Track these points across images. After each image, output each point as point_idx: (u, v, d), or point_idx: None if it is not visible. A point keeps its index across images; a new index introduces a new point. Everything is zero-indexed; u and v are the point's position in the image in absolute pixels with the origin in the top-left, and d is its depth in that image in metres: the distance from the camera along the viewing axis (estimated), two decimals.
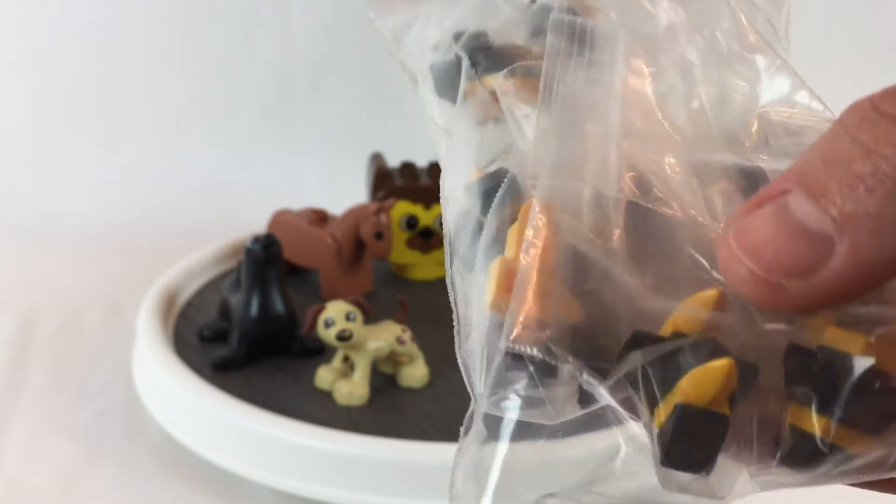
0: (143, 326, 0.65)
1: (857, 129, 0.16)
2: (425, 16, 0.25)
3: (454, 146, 0.23)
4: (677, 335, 0.18)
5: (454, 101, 0.23)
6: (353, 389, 0.58)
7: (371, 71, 1.18)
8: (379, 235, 0.72)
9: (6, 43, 1.12)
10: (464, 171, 0.22)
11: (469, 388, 0.20)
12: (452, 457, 0.57)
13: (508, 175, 0.21)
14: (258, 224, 0.81)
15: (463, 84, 0.23)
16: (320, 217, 0.76)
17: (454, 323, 0.21)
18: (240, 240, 0.80)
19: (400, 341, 0.60)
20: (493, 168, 0.22)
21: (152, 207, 1.03)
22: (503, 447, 0.19)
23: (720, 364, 0.17)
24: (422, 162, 0.82)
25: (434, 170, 0.80)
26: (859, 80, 1.30)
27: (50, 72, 1.12)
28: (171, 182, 1.08)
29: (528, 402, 0.19)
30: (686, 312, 0.18)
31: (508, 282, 0.19)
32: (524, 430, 0.19)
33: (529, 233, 0.19)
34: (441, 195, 0.23)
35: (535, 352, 0.18)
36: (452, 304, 0.21)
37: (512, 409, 0.19)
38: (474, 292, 0.20)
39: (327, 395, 0.59)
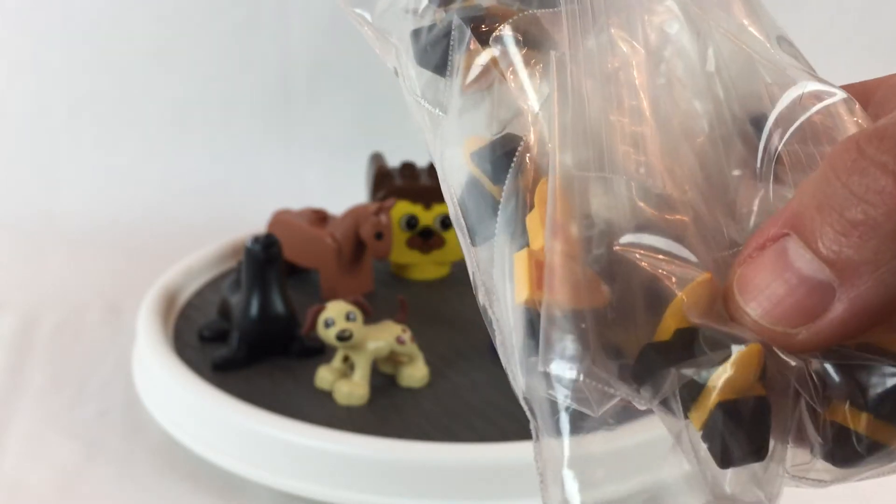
0: (144, 326, 0.65)
1: (847, 176, 0.16)
2: None
3: (452, 117, 0.22)
4: (681, 332, 0.18)
5: (441, 72, 0.23)
6: (353, 389, 0.58)
7: (371, 71, 1.18)
8: (379, 235, 0.72)
9: (6, 42, 1.12)
10: (467, 141, 0.22)
11: (512, 383, 0.20)
12: (452, 456, 0.57)
13: (521, 143, 0.20)
14: (258, 224, 0.81)
15: (460, 54, 0.22)
16: (320, 217, 0.76)
17: (485, 315, 0.21)
18: (240, 240, 0.80)
19: (400, 341, 0.60)
20: (499, 136, 0.21)
21: (152, 207, 1.04)
22: (566, 442, 0.18)
23: (749, 350, 0.17)
24: (422, 162, 0.82)
25: (434, 170, 0.80)
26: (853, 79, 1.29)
27: (50, 72, 1.12)
28: (171, 182, 1.08)
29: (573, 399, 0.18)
30: (686, 307, 0.18)
31: (539, 275, 0.19)
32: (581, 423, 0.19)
33: (549, 221, 0.19)
34: (438, 168, 0.22)
35: (575, 375, 0.18)
36: (478, 291, 0.21)
37: (561, 406, 0.18)
38: (499, 281, 0.20)
39: (327, 395, 0.59)
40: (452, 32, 0.22)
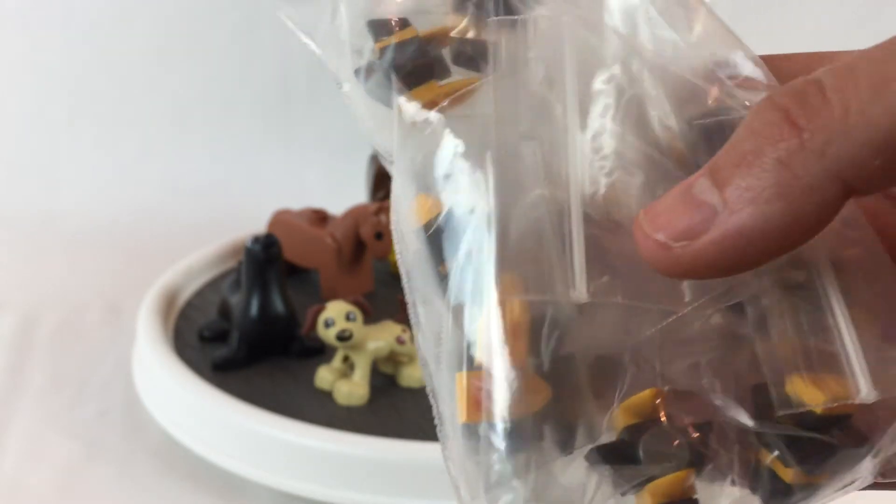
0: (144, 326, 0.65)
1: (752, 119, 0.18)
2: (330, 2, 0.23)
3: (397, 171, 0.22)
4: (628, 429, 0.19)
5: (388, 105, 0.22)
6: (353, 389, 0.58)
7: None
8: (379, 235, 0.72)
9: (6, 42, 1.12)
10: (408, 200, 0.22)
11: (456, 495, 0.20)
12: None
13: (448, 222, 0.20)
14: (258, 224, 0.81)
15: (395, 106, 0.22)
16: (320, 217, 0.76)
17: (434, 415, 0.21)
18: (240, 240, 0.80)
19: (400, 341, 0.60)
20: (441, 199, 0.21)
21: (152, 207, 1.04)
22: None
23: (680, 475, 0.19)
24: None
25: None
26: None
27: (50, 72, 1.12)
28: (171, 182, 1.08)
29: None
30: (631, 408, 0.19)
31: (476, 397, 0.20)
32: None
33: (495, 338, 0.19)
34: (392, 229, 0.22)
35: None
36: (418, 348, 0.22)
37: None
38: (443, 392, 0.21)
39: (327, 395, 0.59)
40: (390, 76, 0.22)
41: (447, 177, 0.21)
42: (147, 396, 0.62)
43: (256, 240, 0.63)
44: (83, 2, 1.12)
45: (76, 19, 1.12)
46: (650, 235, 0.18)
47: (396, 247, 0.22)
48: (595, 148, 0.21)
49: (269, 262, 0.63)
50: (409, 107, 0.22)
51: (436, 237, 0.21)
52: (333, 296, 0.68)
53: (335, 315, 0.58)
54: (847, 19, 1.33)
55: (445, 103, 0.21)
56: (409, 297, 0.22)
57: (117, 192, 1.05)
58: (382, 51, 0.22)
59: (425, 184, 0.21)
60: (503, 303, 0.19)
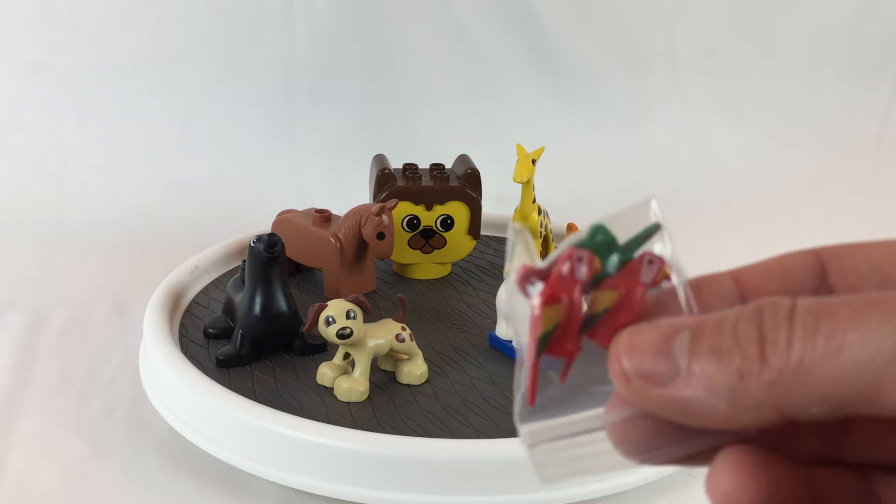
0: (150, 324, 0.66)
1: (745, 321, 0.20)
2: None
3: None
4: None
5: None
6: (353, 386, 0.59)
7: (374, 73, 1.19)
8: (381, 235, 0.73)
9: (15, 47, 1.13)
10: None
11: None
12: (449, 452, 0.58)
13: None
14: (263, 224, 0.82)
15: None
16: (324, 217, 0.77)
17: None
18: (245, 239, 0.81)
19: (399, 339, 0.61)
20: None
21: (158, 208, 1.04)
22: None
23: None
24: (423, 163, 0.83)
25: (435, 170, 0.81)
26: (847, 82, 1.29)
27: (57, 74, 1.13)
28: (177, 183, 1.08)
29: None
30: None
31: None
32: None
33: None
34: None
35: None
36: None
37: None
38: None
39: (328, 392, 0.60)
40: None
41: None
42: (153, 393, 0.63)
43: (259, 238, 0.64)
44: (90, 6, 1.13)
45: (83, 24, 1.13)
46: (620, 360, 0.21)
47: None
48: None
49: (271, 260, 0.64)
50: None
51: None
52: (336, 295, 0.69)
53: (336, 313, 0.59)
54: (842, 22, 1.33)
55: None
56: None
57: (124, 193, 1.06)
58: None
59: None
60: None
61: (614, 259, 0.23)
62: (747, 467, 0.21)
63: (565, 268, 0.22)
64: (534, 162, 0.76)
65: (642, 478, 0.56)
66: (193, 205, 1.05)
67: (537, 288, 0.22)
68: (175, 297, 0.72)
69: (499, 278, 0.80)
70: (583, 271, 0.22)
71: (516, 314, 0.23)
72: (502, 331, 0.66)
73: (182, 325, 0.69)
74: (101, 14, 1.13)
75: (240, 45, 1.16)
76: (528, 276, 0.23)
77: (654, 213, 0.24)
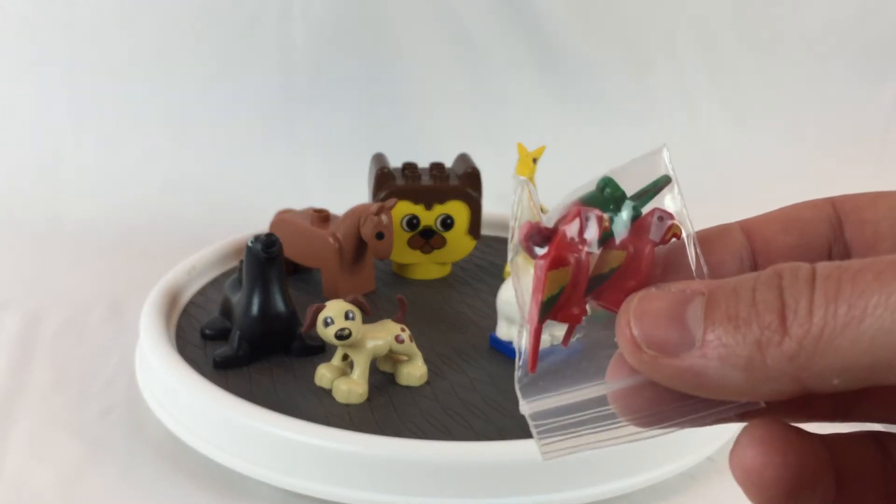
0: (146, 325, 0.65)
1: (764, 287, 0.19)
2: None
3: None
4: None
5: None
6: (351, 387, 0.59)
7: (373, 71, 1.19)
8: (380, 235, 0.72)
9: (10, 46, 1.12)
10: None
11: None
12: (450, 455, 0.58)
13: None
14: (261, 224, 0.81)
15: None
16: (322, 217, 0.76)
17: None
18: (242, 239, 0.80)
19: (398, 340, 0.60)
20: None
21: (155, 208, 1.04)
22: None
23: None
24: (423, 162, 0.82)
25: (435, 170, 0.80)
26: (851, 81, 1.29)
27: (53, 73, 1.13)
28: (174, 182, 1.08)
29: None
30: None
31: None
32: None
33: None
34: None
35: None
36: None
37: None
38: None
39: (327, 393, 0.60)
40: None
41: None
42: (149, 395, 0.63)
43: (257, 238, 0.64)
44: (86, 5, 1.12)
45: (79, 22, 1.12)
46: (630, 327, 0.20)
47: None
48: None
49: (269, 260, 0.63)
50: None
51: None
52: (335, 295, 0.68)
53: (334, 314, 0.58)
54: (845, 21, 1.33)
55: None
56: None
57: (121, 193, 1.06)
58: None
59: None
60: None
61: (623, 216, 0.21)
62: (774, 442, 0.20)
63: (573, 227, 0.21)
64: (535, 161, 0.75)
65: (644, 479, 0.56)
66: (191, 204, 1.05)
67: (542, 249, 0.21)
68: (172, 298, 0.71)
69: (499, 278, 0.80)
70: (592, 232, 0.21)
71: (519, 274, 0.22)
72: (503, 332, 0.66)
73: (179, 325, 0.69)
74: (98, 12, 1.13)
75: (238, 43, 1.16)
76: (532, 234, 0.21)
77: (665, 165, 0.22)
